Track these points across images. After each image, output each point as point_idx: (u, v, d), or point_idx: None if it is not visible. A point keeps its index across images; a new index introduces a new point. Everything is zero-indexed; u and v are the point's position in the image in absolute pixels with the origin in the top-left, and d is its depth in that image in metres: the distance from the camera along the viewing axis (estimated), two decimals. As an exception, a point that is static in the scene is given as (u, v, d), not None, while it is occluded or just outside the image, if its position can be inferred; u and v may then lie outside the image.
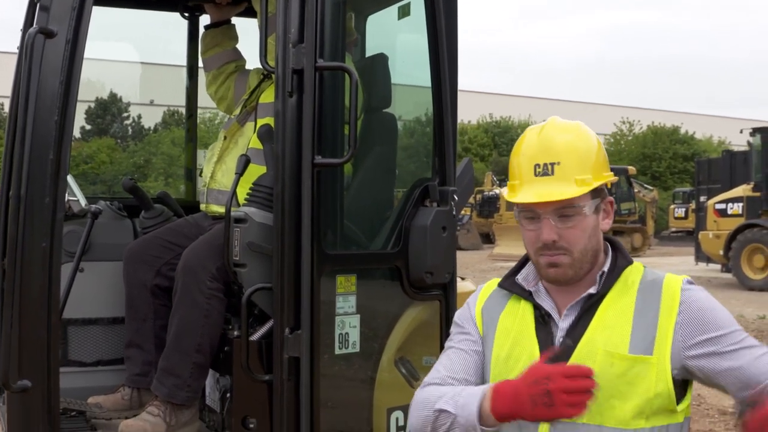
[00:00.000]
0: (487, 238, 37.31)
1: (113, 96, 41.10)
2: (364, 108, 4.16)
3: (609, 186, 2.57)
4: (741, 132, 22.81)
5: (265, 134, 4.05)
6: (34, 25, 3.49)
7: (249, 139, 4.37)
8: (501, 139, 57.97)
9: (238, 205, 4.02)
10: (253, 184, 4.02)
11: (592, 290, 2.48)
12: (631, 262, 2.55)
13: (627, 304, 2.45)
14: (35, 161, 3.45)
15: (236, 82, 5.00)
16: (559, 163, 2.47)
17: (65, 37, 3.53)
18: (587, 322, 2.47)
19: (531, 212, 2.50)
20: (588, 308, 2.48)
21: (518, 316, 2.62)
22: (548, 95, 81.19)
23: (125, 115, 43.28)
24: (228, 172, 4.39)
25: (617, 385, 2.37)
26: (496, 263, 27.95)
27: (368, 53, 4.84)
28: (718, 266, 23.05)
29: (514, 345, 2.59)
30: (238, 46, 5.17)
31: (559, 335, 2.50)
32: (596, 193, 2.49)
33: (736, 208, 21.78)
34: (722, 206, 22.14)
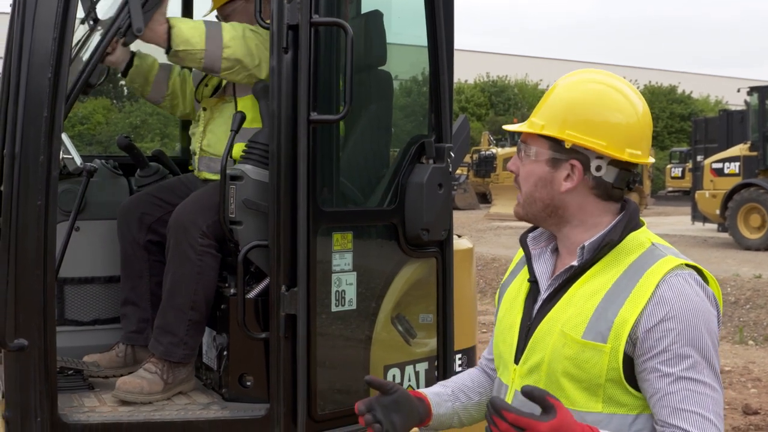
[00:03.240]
0: (484, 198, 37.34)
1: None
2: (359, 65, 4.13)
3: (585, 147, 2.37)
4: (738, 91, 22.73)
5: (260, 91, 4.03)
6: (26, -19, 3.45)
7: (233, 106, 4.35)
8: (497, 98, 57.73)
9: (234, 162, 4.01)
10: (248, 141, 4.01)
11: (575, 262, 2.41)
12: (635, 229, 2.42)
13: (604, 282, 2.35)
14: (29, 119, 3.42)
15: (193, 76, 4.93)
16: (548, 105, 2.45)
17: (58, -7, 3.49)
18: (561, 296, 2.41)
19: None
20: (567, 281, 2.42)
21: (520, 279, 2.62)
22: (545, 55, 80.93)
23: (118, 76, 43.04)
24: (215, 139, 4.39)
25: (566, 366, 2.33)
26: (492, 223, 27.96)
27: (363, 11, 4.80)
28: (715, 226, 23.05)
29: (508, 310, 2.60)
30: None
31: (538, 305, 2.48)
32: (558, 147, 2.40)
33: (733, 167, 21.75)
34: (719, 166, 22.10)
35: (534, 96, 60.57)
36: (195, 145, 4.54)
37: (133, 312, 4.45)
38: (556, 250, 2.55)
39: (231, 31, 4.09)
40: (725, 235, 21.84)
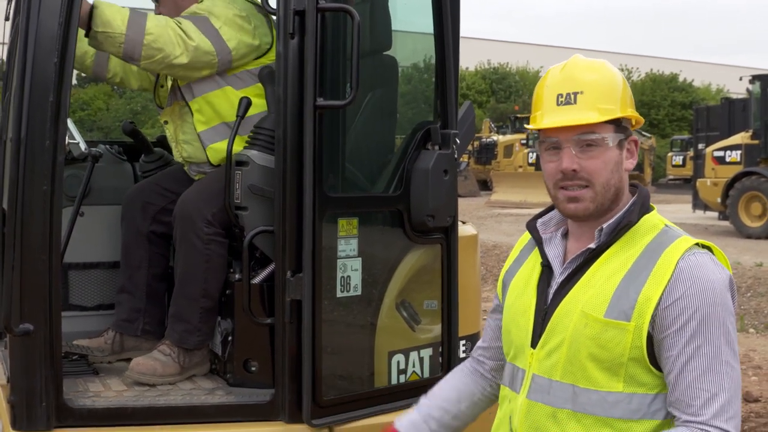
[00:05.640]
0: (485, 185, 37.33)
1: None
2: (364, 50, 4.13)
3: (634, 124, 2.50)
4: (740, 79, 22.69)
5: (266, 77, 4.03)
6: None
7: (196, 110, 4.32)
8: (499, 85, 57.71)
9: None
10: (254, 126, 4.00)
11: (592, 245, 2.42)
12: (647, 212, 2.46)
13: (622, 263, 2.37)
14: (35, 104, 3.41)
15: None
16: (583, 92, 2.42)
17: (64, -23, 3.48)
18: (579, 278, 2.43)
19: (553, 142, 2.44)
20: (584, 263, 2.43)
21: (530, 264, 2.62)
22: (546, 42, 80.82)
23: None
24: (193, 148, 4.37)
25: (589, 346, 2.34)
26: (493, 210, 27.95)
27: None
28: (716, 214, 23.02)
29: (519, 296, 2.60)
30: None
31: (553, 288, 2.48)
32: (620, 128, 2.43)
33: (735, 155, 21.74)
34: (720, 154, 22.10)
35: (535, 83, 60.33)
36: (177, 157, 4.54)
37: (127, 300, 4.45)
38: (565, 235, 2.57)
39: (155, 19, 4.03)
40: (726, 224, 21.82)
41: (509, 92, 57.01)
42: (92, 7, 3.90)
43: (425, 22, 4.14)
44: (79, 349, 4.27)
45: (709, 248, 2.41)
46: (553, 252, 2.54)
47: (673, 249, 2.34)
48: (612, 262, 2.39)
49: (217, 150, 4.23)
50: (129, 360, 4.26)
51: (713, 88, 63.98)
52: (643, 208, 2.46)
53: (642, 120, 2.53)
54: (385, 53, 4.32)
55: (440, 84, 4.09)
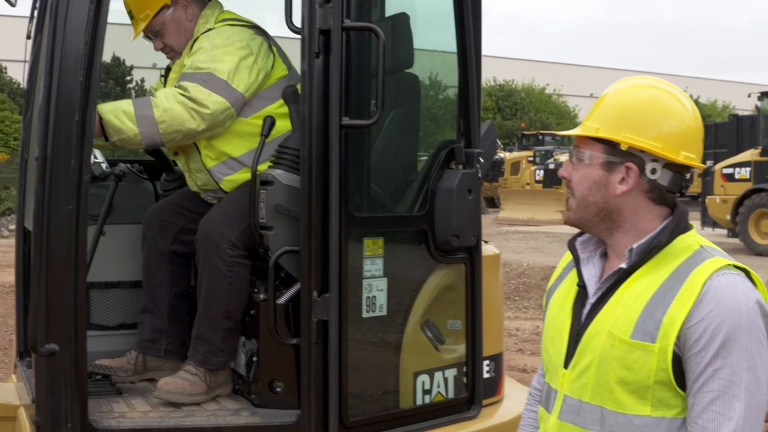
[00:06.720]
0: (492, 203, 37.28)
1: (116, 59, 40.88)
2: (386, 68, 4.12)
3: (641, 149, 2.36)
4: (749, 96, 22.70)
5: (290, 96, 4.02)
6: (59, -16, 3.43)
7: (203, 147, 4.33)
8: (504, 102, 57.81)
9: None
10: (279, 146, 4.00)
11: (623, 265, 2.40)
12: (683, 232, 2.42)
13: (651, 284, 2.34)
14: (60, 123, 3.41)
15: None
16: (601, 110, 2.45)
17: (89, -3, 3.48)
18: (609, 298, 2.41)
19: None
20: (614, 283, 2.41)
21: (568, 283, 2.60)
22: (552, 59, 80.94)
23: (128, 78, 43.13)
24: (206, 177, 4.38)
25: (615, 368, 2.32)
26: (501, 227, 27.93)
27: (387, 14, 4.79)
28: (725, 231, 22.97)
29: (556, 314, 2.59)
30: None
31: (586, 309, 2.47)
32: (613, 150, 2.40)
33: (744, 172, 21.67)
34: (729, 171, 22.03)
35: (540, 100, 60.63)
36: (192, 186, 4.54)
37: (149, 321, 4.45)
38: (604, 255, 2.55)
39: (161, 103, 4.03)
40: (736, 241, 21.74)
41: (515, 109, 57.12)
42: (100, 119, 3.93)
43: (447, 41, 4.13)
44: (101, 369, 4.25)
45: (744, 270, 2.36)
46: (589, 272, 2.53)
47: (702, 269, 2.30)
48: (641, 282, 2.37)
49: (232, 181, 4.26)
50: (151, 380, 4.26)
51: (719, 104, 63.99)
52: (677, 227, 2.42)
53: (665, 155, 2.37)
54: (406, 71, 4.32)
55: (463, 103, 4.09)
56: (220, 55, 4.13)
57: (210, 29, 4.29)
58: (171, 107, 4.01)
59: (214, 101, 4.04)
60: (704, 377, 2.22)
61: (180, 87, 4.08)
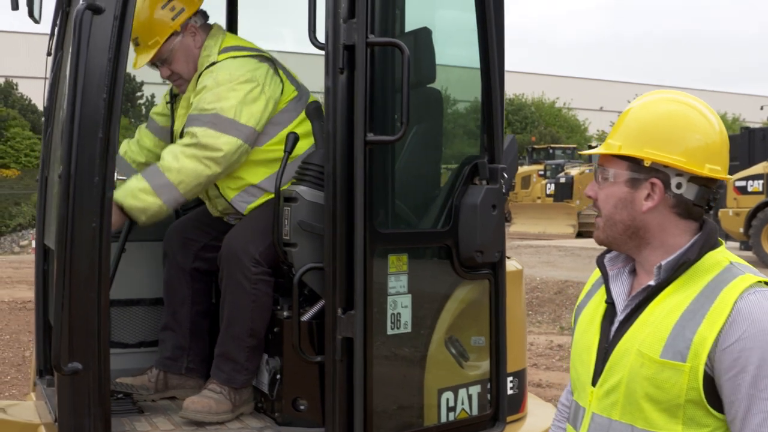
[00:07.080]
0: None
1: (126, 75, 40.99)
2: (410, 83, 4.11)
3: (665, 164, 2.35)
4: (761, 108, 22.68)
5: (313, 112, 4.01)
6: (82, 2, 3.42)
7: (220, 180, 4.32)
8: (515, 117, 57.74)
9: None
10: (302, 162, 3.99)
11: (652, 282, 2.38)
12: (712, 249, 2.39)
13: (681, 301, 2.31)
14: (84, 140, 3.39)
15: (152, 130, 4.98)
16: (624, 127, 2.44)
17: (113, 14, 3.47)
18: (638, 316, 2.38)
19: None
20: (643, 300, 2.39)
21: (597, 300, 2.58)
22: (562, 72, 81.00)
23: (138, 94, 43.28)
24: (224, 203, 4.39)
25: (645, 387, 2.29)
26: (512, 241, 27.85)
27: (407, 29, 4.78)
28: (737, 244, 22.91)
29: (585, 331, 2.57)
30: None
31: (615, 326, 2.44)
32: (637, 167, 2.38)
33: (757, 185, 21.63)
34: (742, 183, 21.99)
35: (551, 114, 60.62)
36: (213, 213, 4.54)
37: (171, 338, 4.44)
38: (633, 271, 2.52)
39: (172, 165, 4.03)
40: (749, 253, 21.65)
41: (525, 123, 57.09)
42: (121, 207, 3.95)
43: (467, 55, 4.11)
44: (123, 388, 4.24)
45: None
46: (619, 289, 2.50)
47: (732, 287, 2.27)
48: (670, 300, 2.34)
49: (254, 206, 4.26)
50: (173, 398, 4.23)
51: (729, 117, 63.94)
52: (706, 243, 2.39)
53: (690, 168, 2.35)
54: (428, 86, 4.30)
55: (487, 118, 4.06)
56: (225, 92, 4.11)
57: (214, 62, 4.25)
58: (182, 166, 4.01)
59: (225, 142, 4.04)
60: (747, 401, 2.18)
61: (188, 134, 4.08)
